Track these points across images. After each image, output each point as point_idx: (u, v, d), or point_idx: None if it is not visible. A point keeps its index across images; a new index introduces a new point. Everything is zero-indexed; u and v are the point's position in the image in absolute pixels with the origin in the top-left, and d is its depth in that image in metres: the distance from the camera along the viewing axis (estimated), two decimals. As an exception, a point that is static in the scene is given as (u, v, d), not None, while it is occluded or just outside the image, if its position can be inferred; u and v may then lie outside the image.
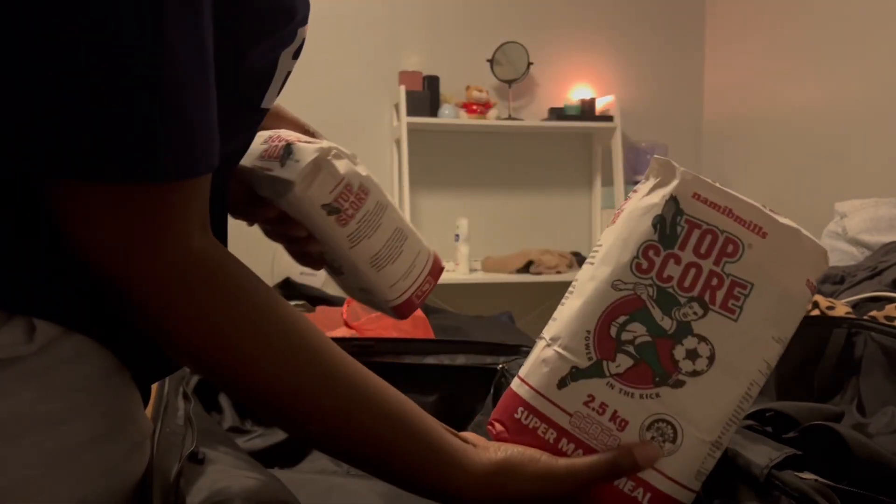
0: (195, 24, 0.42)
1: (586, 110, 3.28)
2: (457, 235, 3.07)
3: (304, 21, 0.54)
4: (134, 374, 0.52)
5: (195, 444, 0.59)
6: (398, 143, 3.10)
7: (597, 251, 0.58)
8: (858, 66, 2.69)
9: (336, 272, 0.68)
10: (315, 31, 0.57)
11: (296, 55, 0.55)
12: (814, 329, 0.99)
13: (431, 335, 1.38)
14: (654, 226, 0.54)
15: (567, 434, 0.53)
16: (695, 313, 0.52)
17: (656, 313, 0.52)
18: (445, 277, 3.08)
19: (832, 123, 2.81)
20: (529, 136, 3.42)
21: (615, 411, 0.52)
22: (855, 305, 1.28)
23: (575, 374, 0.53)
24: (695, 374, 0.51)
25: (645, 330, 0.52)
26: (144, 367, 0.52)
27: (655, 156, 0.57)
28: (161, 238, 0.44)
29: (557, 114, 3.28)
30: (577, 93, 3.40)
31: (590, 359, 0.53)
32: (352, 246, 0.63)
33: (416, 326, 1.39)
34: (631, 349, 0.52)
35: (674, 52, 3.59)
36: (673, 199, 0.53)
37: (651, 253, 0.53)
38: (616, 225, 0.57)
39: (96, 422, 0.47)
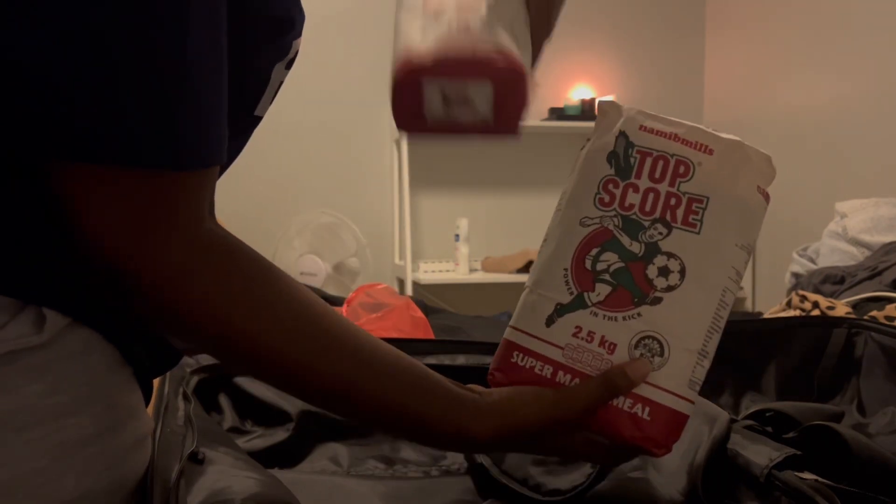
0: (215, 23, 0.43)
1: (586, 110, 3.28)
2: (457, 235, 3.07)
3: (299, 33, 0.55)
4: (135, 371, 0.52)
5: (195, 445, 0.59)
6: (398, 143, 3.10)
7: (562, 199, 0.61)
8: (859, 66, 2.69)
9: None
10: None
11: (288, 66, 0.56)
12: (814, 329, 0.99)
13: (431, 335, 1.38)
14: (608, 161, 0.58)
15: (562, 366, 0.56)
16: (660, 233, 0.55)
17: (624, 240, 0.56)
18: (445, 277, 3.09)
19: (832, 123, 2.81)
20: (529, 136, 3.41)
21: (602, 336, 0.55)
22: (855, 305, 1.28)
23: (560, 310, 0.57)
24: (669, 289, 0.55)
25: (617, 257, 0.56)
26: (145, 363, 0.53)
27: (600, 100, 0.61)
28: (174, 222, 0.45)
29: (557, 114, 3.28)
30: (577, 93, 3.40)
31: (571, 293, 0.56)
32: None
33: (416, 327, 1.39)
34: (607, 277, 0.56)
35: (674, 52, 3.59)
36: (622, 134, 0.58)
37: (610, 186, 0.57)
38: (575, 171, 0.61)
39: (101, 415, 0.48)
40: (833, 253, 2.02)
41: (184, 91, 0.42)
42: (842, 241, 2.04)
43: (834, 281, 1.61)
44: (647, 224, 0.55)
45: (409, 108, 0.54)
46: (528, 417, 0.54)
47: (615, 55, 3.52)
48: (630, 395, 0.54)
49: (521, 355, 0.58)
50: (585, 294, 0.56)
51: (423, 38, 0.54)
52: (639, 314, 0.55)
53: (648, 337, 0.54)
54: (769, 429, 0.67)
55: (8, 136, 0.42)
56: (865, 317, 1.09)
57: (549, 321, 0.57)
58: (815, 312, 1.20)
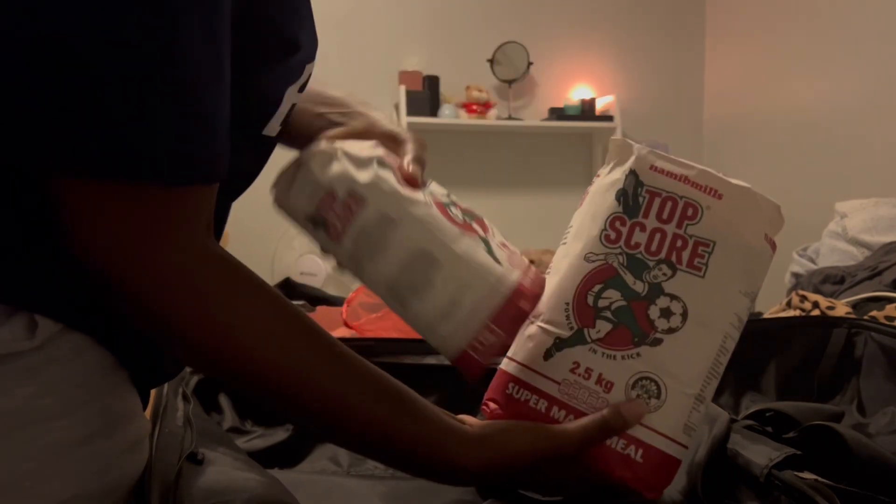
0: (215, 45, 0.42)
1: (586, 110, 3.28)
2: (457, 235, 3.07)
3: (311, 58, 0.55)
4: (133, 375, 0.52)
5: (194, 445, 0.59)
6: (398, 143, 3.09)
7: (568, 232, 0.61)
8: (858, 65, 2.68)
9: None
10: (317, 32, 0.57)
11: (302, 89, 0.56)
12: (814, 329, 0.99)
13: (431, 335, 1.38)
14: (617, 199, 0.57)
15: (557, 402, 0.55)
16: (664, 274, 0.55)
17: (628, 278, 0.55)
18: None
19: (832, 123, 2.80)
20: (529, 136, 3.41)
21: (600, 374, 0.55)
22: (855, 305, 1.27)
23: (559, 344, 0.56)
24: (670, 331, 0.54)
25: (620, 295, 0.55)
26: (144, 369, 0.53)
27: (613, 138, 0.61)
28: (168, 238, 0.45)
29: (557, 114, 3.28)
30: (577, 93, 3.40)
31: (571, 328, 0.56)
32: (358, 270, 0.53)
33: (416, 327, 1.38)
34: (609, 314, 0.55)
35: (674, 51, 3.59)
36: (632, 173, 0.57)
37: (617, 224, 0.57)
38: (583, 205, 0.61)
39: (92, 419, 0.48)
40: (833, 253, 2.02)
41: (179, 108, 0.42)
42: (842, 241, 2.04)
43: (834, 281, 1.61)
44: (651, 264, 0.55)
45: (499, 347, 0.55)
46: (519, 452, 0.53)
47: (615, 55, 3.52)
48: (624, 436, 0.54)
49: (516, 387, 0.57)
50: (586, 330, 0.55)
51: (508, 268, 0.54)
52: (638, 354, 0.54)
53: (646, 378, 0.54)
54: (769, 429, 0.67)
55: (3, 149, 0.42)
56: (865, 317, 1.09)
57: (548, 355, 0.56)
58: (815, 312, 1.19)
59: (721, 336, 0.55)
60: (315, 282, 2.71)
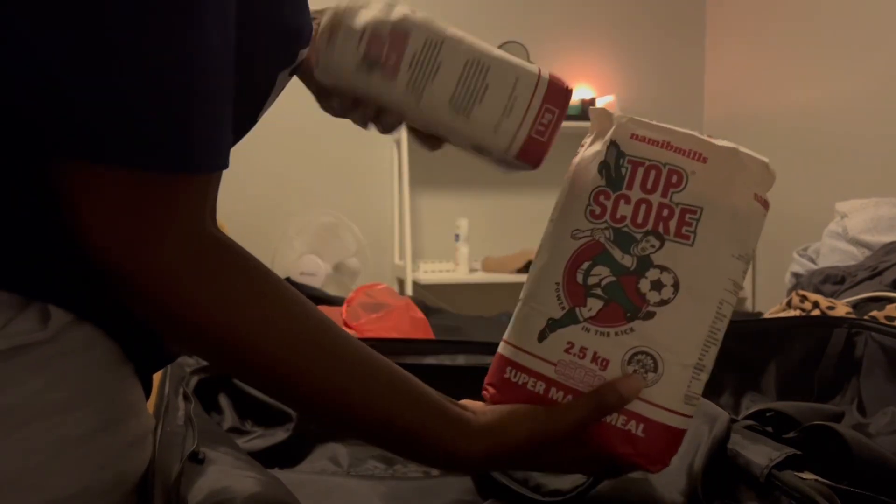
0: (226, 32, 0.43)
1: (586, 110, 3.27)
2: (457, 235, 3.07)
3: (307, 43, 0.55)
4: (136, 367, 0.52)
5: (195, 445, 0.59)
6: (398, 143, 3.10)
7: (554, 209, 0.60)
8: (859, 65, 2.69)
9: (440, 138, 0.66)
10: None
11: (292, 73, 0.56)
12: (814, 329, 0.99)
13: (431, 336, 1.39)
14: (599, 172, 0.56)
15: (554, 383, 0.55)
16: (652, 246, 0.54)
17: (616, 253, 0.55)
18: (445, 277, 3.08)
19: (832, 123, 2.80)
20: (529, 136, 3.41)
21: (595, 353, 0.54)
22: (855, 305, 1.28)
23: (552, 325, 0.56)
24: (663, 303, 0.53)
25: (609, 271, 0.54)
26: (145, 357, 0.53)
27: (592, 107, 0.61)
28: (177, 224, 0.45)
29: (557, 114, 3.28)
30: (577, 93, 3.40)
31: (562, 308, 0.55)
32: (418, 99, 0.57)
33: (415, 327, 1.39)
34: (599, 291, 0.55)
35: (674, 51, 3.59)
36: (613, 144, 0.56)
37: (601, 198, 0.56)
38: (567, 181, 0.60)
39: (101, 412, 0.48)
40: (833, 253, 2.02)
41: (194, 97, 0.42)
42: (842, 241, 2.04)
43: (834, 281, 1.61)
44: (639, 237, 0.54)
45: (555, 125, 0.61)
46: (519, 437, 0.53)
47: (615, 55, 3.52)
48: (623, 412, 0.53)
49: (514, 371, 0.57)
50: (577, 309, 0.55)
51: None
52: (631, 329, 0.53)
53: (641, 352, 0.53)
54: (769, 429, 0.67)
55: (21, 134, 0.42)
56: (866, 317, 1.09)
57: (542, 336, 0.56)
58: (816, 312, 1.20)
59: (716, 303, 0.54)
60: (315, 282, 2.71)
